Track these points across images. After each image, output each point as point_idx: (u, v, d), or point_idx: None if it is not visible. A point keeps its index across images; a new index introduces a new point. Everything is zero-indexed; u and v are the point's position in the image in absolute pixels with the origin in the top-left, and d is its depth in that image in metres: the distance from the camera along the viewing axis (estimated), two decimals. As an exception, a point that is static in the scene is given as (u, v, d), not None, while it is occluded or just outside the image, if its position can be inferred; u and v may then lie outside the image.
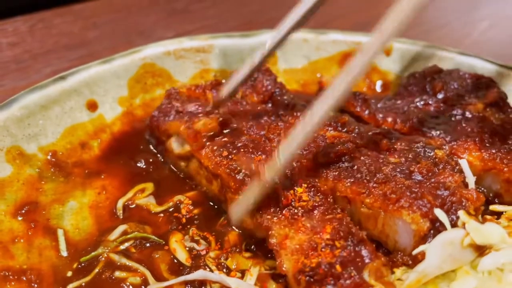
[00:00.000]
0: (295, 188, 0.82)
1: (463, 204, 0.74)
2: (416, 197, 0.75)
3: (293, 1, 1.97)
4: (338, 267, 0.69)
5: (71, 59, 1.49)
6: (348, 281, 0.68)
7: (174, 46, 1.20)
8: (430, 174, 0.80)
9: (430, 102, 1.08)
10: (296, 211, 0.79)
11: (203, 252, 0.85)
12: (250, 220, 0.85)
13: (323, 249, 0.71)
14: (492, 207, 0.90)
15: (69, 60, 1.48)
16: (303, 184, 0.83)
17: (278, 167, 0.80)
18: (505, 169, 0.92)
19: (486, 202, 0.84)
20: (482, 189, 0.95)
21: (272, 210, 0.81)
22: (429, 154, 0.87)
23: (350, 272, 0.69)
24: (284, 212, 0.80)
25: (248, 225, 0.86)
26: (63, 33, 1.64)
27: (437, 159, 0.87)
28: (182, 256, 0.85)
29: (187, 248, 0.86)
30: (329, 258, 0.70)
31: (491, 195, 0.95)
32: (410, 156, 0.86)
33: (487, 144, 0.96)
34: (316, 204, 0.79)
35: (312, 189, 0.82)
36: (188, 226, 0.90)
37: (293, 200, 0.81)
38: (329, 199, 0.81)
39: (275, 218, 0.80)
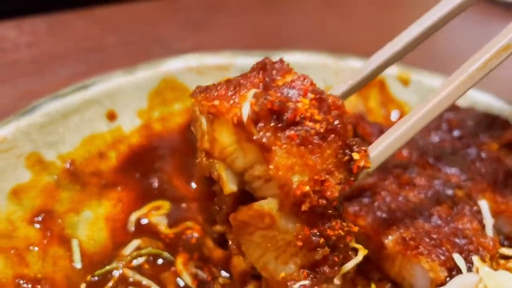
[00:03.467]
0: (298, 99, 0.61)
1: (480, 252, 0.76)
2: (435, 245, 0.77)
3: (307, 23, 2.00)
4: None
5: (89, 63, 1.49)
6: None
7: (196, 62, 1.21)
8: (448, 218, 0.81)
9: (445, 139, 1.10)
10: (306, 134, 0.59)
11: (209, 278, 0.86)
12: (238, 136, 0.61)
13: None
14: (501, 251, 0.91)
15: (86, 64, 1.49)
16: (309, 94, 0.61)
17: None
18: (517, 212, 0.93)
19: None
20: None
21: (272, 124, 0.59)
22: (448, 192, 0.89)
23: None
24: (290, 133, 0.59)
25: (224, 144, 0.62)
26: (81, 36, 1.64)
27: (456, 199, 0.88)
28: (187, 279, 0.86)
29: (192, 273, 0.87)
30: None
31: (501, 237, 0.97)
32: (430, 193, 0.87)
33: (500, 186, 0.98)
34: (331, 128, 0.60)
35: (323, 103, 0.61)
36: (195, 252, 0.90)
37: (302, 116, 0.59)
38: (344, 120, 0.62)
39: (280, 138, 0.58)
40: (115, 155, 1.06)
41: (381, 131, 1.14)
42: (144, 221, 0.95)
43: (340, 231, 0.62)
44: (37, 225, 0.89)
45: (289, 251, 0.62)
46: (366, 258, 0.83)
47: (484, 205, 0.87)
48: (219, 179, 0.64)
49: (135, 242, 0.90)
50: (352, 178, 0.62)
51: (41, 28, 1.64)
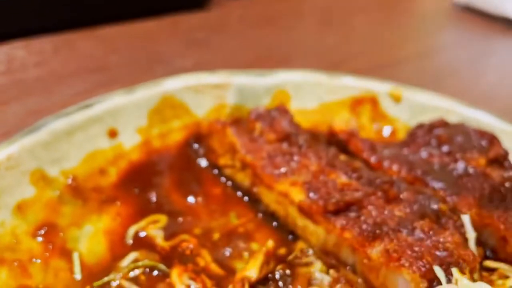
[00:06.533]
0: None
1: (460, 265, 0.79)
2: (417, 257, 0.80)
3: (305, 41, 2.05)
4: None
5: (92, 82, 1.55)
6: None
7: (194, 81, 1.26)
8: (431, 232, 0.85)
9: (434, 154, 1.13)
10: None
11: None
12: None
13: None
14: (485, 263, 0.94)
15: (90, 83, 1.54)
16: None
17: None
18: (501, 226, 0.96)
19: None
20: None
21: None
22: (433, 207, 0.92)
23: None
24: None
25: None
26: (86, 55, 1.70)
27: (440, 213, 0.92)
28: (182, 290, 0.90)
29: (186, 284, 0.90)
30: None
31: (487, 250, 1.00)
32: (415, 207, 0.91)
33: (486, 201, 1.01)
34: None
35: None
36: (191, 263, 0.94)
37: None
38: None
39: None
40: (115, 171, 1.11)
41: (372, 146, 1.18)
42: (142, 234, 0.99)
43: None
44: (40, 238, 0.93)
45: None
46: (352, 270, 0.88)
47: (466, 219, 0.90)
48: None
49: (133, 255, 0.94)
50: None
51: (48, 48, 1.70)
